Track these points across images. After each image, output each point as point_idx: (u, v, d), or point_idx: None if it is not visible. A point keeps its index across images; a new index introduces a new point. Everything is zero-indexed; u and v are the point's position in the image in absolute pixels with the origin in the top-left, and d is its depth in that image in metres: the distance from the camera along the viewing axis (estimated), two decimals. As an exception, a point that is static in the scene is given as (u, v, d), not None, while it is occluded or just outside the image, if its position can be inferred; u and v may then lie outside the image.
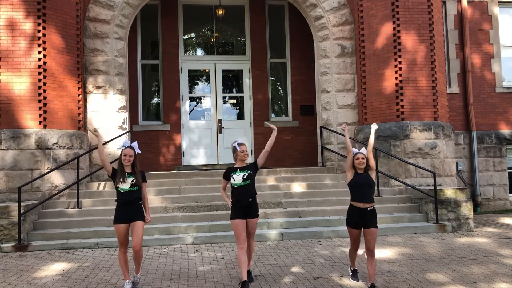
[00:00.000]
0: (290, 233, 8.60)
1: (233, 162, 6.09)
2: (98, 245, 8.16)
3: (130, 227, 5.69)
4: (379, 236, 8.62)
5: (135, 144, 5.89)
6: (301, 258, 7.13)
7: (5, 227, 8.29)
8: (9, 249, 8.05)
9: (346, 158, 10.57)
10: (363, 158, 5.65)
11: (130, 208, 5.68)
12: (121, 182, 5.67)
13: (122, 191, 5.69)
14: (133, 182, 5.69)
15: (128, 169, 5.75)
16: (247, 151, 5.96)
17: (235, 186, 5.83)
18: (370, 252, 5.58)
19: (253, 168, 5.95)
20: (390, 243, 8.15)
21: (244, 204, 5.79)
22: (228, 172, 5.95)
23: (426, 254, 7.28)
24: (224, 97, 13.50)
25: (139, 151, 5.90)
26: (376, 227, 5.63)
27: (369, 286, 5.46)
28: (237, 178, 5.81)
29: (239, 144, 5.92)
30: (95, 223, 8.84)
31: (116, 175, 5.73)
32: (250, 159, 9.35)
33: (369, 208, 5.59)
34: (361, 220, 5.60)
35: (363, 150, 5.75)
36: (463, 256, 7.19)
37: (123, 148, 5.79)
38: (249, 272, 5.87)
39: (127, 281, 5.64)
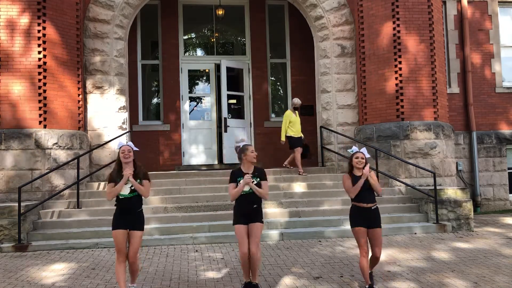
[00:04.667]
0: (290, 233, 8.60)
1: (236, 162, 5.79)
2: (98, 245, 8.16)
3: (128, 235, 5.34)
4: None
5: (130, 143, 5.59)
6: (301, 258, 7.13)
7: (5, 227, 8.28)
8: (9, 249, 8.05)
9: (346, 158, 10.62)
10: (362, 158, 5.64)
11: (129, 215, 5.34)
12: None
13: (121, 197, 5.34)
14: (132, 188, 5.33)
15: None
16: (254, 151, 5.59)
17: (242, 193, 5.47)
18: (377, 260, 5.69)
19: (261, 177, 5.60)
20: (390, 243, 8.14)
21: (248, 211, 5.50)
22: (235, 175, 5.55)
23: (426, 254, 7.28)
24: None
25: (137, 149, 5.54)
26: (381, 227, 5.61)
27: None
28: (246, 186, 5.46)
29: (248, 145, 5.57)
30: (95, 223, 8.84)
31: (114, 178, 5.38)
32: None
33: (372, 208, 5.57)
34: (366, 219, 5.53)
35: (363, 149, 5.75)
36: (463, 256, 7.19)
37: (119, 147, 5.49)
38: (255, 286, 5.50)
39: None
